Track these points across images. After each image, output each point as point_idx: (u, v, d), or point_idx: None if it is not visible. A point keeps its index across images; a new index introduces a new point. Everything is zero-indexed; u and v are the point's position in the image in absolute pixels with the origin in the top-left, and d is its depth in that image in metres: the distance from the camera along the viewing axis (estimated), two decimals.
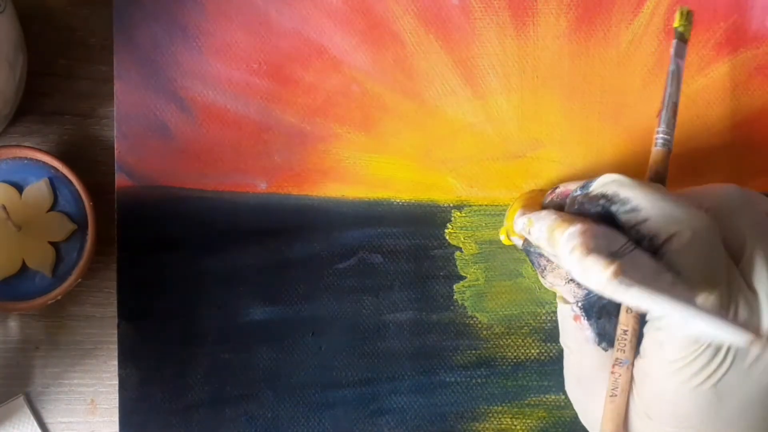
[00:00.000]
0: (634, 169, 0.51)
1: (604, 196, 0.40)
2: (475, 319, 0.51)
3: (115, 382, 0.51)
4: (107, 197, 0.51)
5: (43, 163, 0.48)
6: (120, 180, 0.50)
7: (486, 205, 0.51)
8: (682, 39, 0.46)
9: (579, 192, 0.42)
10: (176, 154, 0.50)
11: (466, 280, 0.51)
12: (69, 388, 0.51)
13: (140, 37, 0.50)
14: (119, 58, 0.50)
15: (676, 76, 0.45)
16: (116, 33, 0.50)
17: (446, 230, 0.51)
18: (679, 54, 0.45)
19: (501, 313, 0.51)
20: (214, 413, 0.50)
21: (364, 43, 0.51)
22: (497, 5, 0.51)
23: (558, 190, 0.45)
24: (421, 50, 0.51)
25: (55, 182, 0.49)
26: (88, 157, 0.51)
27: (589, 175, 0.51)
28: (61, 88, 0.51)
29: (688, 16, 0.46)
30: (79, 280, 0.48)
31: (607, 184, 0.40)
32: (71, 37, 0.51)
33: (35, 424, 0.50)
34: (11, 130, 0.51)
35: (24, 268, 0.48)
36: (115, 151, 0.50)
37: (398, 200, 0.51)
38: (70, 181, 0.48)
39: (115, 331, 0.50)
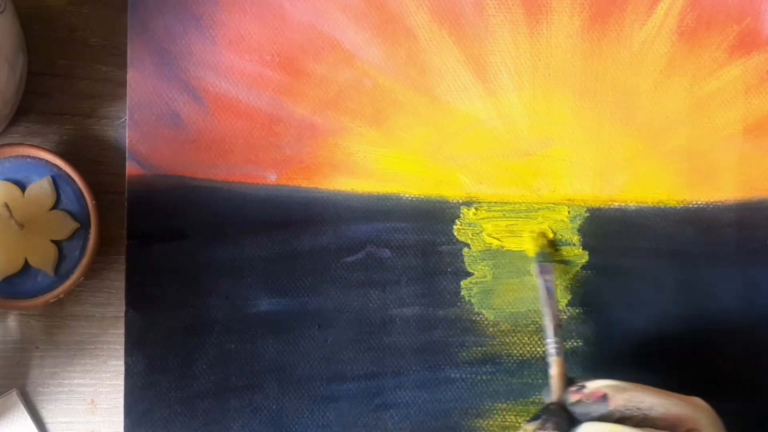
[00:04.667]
0: (643, 169, 0.51)
1: None
2: (481, 315, 0.51)
3: (116, 382, 0.51)
4: (108, 197, 0.51)
5: (46, 161, 0.48)
6: (131, 168, 0.50)
7: (495, 203, 0.51)
8: (545, 260, 0.49)
9: None
10: (187, 144, 0.50)
11: (474, 276, 0.51)
12: (69, 388, 0.51)
13: (154, 27, 0.50)
14: (133, 46, 0.50)
15: (550, 293, 0.48)
16: (131, 22, 0.50)
17: (455, 226, 0.51)
18: (545, 272, 0.49)
19: (508, 310, 0.51)
20: (219, 403, 0.50)
21: (377, 38, 0.51)
22: (511, 3, 0.51)
23: (587, 390, 0.42)
24: (434, 46, 0.51)
25: (57, 180, 0.49)
26: (88, 157, 0.51)
27: (600, 174, 0.51)
28: (61, 88, 0.51)
29: (543, 238, 0.50)
30: (82, 278, 0.48)
31: None
32: (71, 37, 0.51)
33: (29, 418, 0.50)
34: (12, 131, 0.51)
35: (26, 266, 0.48)
36: (127, 140, 0.50)
37: (407, 195, 0.51)
38: (72, 180, 0.48)
39: (116, 331, 0.51)
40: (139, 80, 0.50)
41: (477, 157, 0.51)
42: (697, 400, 0.42)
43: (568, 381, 0.44)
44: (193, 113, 0.51)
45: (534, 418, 0.42)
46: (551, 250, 0.51)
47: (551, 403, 0.43)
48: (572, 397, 0.42)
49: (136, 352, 0.50)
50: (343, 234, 0.51)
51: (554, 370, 0.45)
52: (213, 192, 0.51)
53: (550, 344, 0.46)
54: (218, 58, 0.51)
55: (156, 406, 0.50)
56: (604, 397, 0.41)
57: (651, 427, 0.40)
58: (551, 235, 0.51)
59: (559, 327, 0.46)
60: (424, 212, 0.51)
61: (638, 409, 0.40)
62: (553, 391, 0.44)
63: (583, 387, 0.42)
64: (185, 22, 0.50)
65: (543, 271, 0.49)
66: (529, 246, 0.51)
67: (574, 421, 0.41)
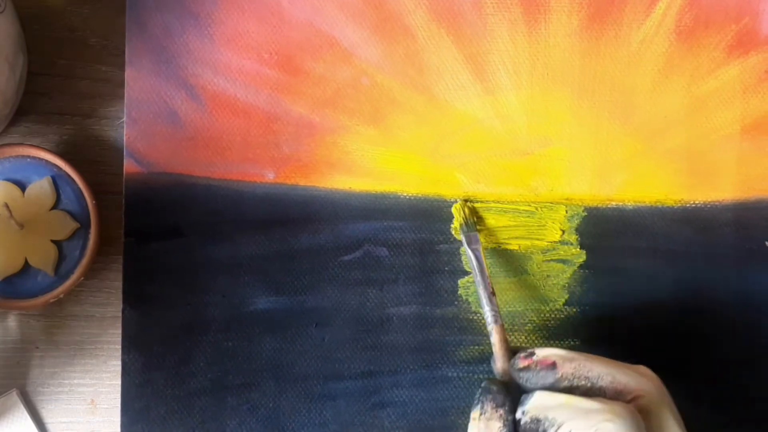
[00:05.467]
0: (641, 169, 0.51)
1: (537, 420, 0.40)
2: (478, 314, 0.51)
3: (116, 382, 0.51)
4: (108, 197, 0.51)
5: (46, 161, 0.48)
6: (128, 166, 0.50)
7: (493, 201, 0.51)
8: (470, 230, 0.50)
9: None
10: (185, 142, 0.50)
11: (471, 275, 0.51)
12: (69, 388, 0.51)
13: (152, 24, 0.50)
14: (131, 44, 0.50)
15: (480, 262, 0.48)
16: (129, 19, 0.50)
17: (452, 225, 0.51)
18: (472, 241, 0.49)
19: (505, 309, 0.51)
20: (216, 401, 0.50)
21: (376, 36, 0.51)
22: (509, 2, 0.51)
23: (536, 357, 0.41)
24: (432, 45, 0.51)
25: (57, 180, 0.49)
26: (88, 158, 0.51)
27: (597, 172, 0.51)
28: (61, 88, 0.51)
29: (466, 208, 0.50)
30: (82, 278, 0.48)
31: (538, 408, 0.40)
32: (71, 37, 0.51)
33: (29, 418, 0.50)
34: (11, 131, 0.51)
35: (26, 266, 0.48)
36: (125, 137, 0.50)
37: (405, 194, 0.51)
38: (72, 180, 0.48)
39: (116, 331, 0.51)
40: (137, 78, 0.50)
41: (475, 156, 0.51)
42: (644, 369, 0.42)
43: (514, 350, 0.43)
44: (191, 111, 0.51)
45: (475, 404, 0.41)
46: (475, 218, 0.51)
47: (484, 382, 0.42)
48: (521, 363, 0.41)
49: (133, 350, 0.50)
50: (340, 232, 0.51)
51: (495, 337, 0.44)
52: (210, 190, 0.51)
53: (487, 312, 0.46)
54: (216, 56, 0.51)
55: (153, 404, 0.50)
56: (552, 365, 0.40)
57: (598, 395, 0.40)
58: (471, 204, 0.51)
59: (493, 294, 0.47)
60: (422, 211, 0.51)
61: (586, 377, 0.40)
62: (497, 359, 0.43)
63: (532, 353, 0.41)
64: (183, 20, 0.50)
65: (470, 241, 0.49)
66: (455, 217, 0.51)
67: (513, 393, 0.41)
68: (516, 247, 0.51)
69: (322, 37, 0.51)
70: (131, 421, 0.50)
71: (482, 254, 0.49)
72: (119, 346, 0.50)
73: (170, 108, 0.50)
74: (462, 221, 0.50)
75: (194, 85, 0.51)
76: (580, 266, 0.51)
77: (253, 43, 0.51)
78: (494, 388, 0.41)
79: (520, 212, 0.51)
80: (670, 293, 0.51)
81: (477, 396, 0.41)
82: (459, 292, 0.51)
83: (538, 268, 0.51)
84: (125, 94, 0.50)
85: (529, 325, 0.51)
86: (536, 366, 0.41)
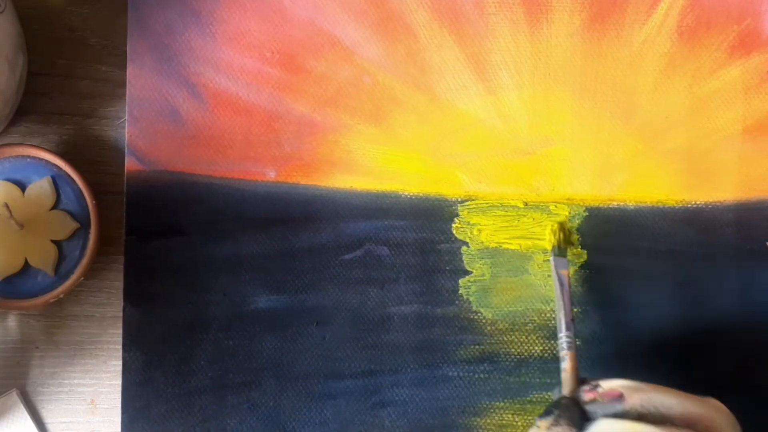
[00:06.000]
0: (643, 169, 0.51)
1: None
2: (479, 314, 0.51)
3: (116, 382, 0.51)
4: (108, 197, 0.51)
5: (46, 161, 0.48)
6: (130, 164, 0.50)
7: (494, 201, 0.51)
8: (561, 254, 0.49)
9: None
10: (186, 140, 0.50)
11: (472, 275, 0.51)
12: (69, 388, 0.51)
13: (154, 22, 0.50)
14: (133, 42, 0.50)
15: (564, 287, 0.48)
16: (131, 18, 0.50)
17: (453, 224, 0.51)
18: (561, 266, 0.49)
19: (506, 309, 0.51)
20: (216, 399, 0.50)
21: (377, 35, 0.51)
22: (511, 1, 0.51)
23: (602, 390, 0.41)
24: (433, 44, 0.51)
25: (57, 181, 0.49)
26: (88, 157, 0.51)
27: (599, 173, 0.51)
28: (61, 88, 0.51)
29: (561, 232, 0.49)
30: (82, 278, 0.48)
31: None
32: (71, 37, 0.51)
33: (29, 418, 0.50)
34: (11, 131, 0.51)
35: (26, 266, 0.48)
36: (126, 135, 0.50)
37: (406, 193, 0.51)
38: (72, 180, 0.48)
39: (116, 331, 0.51)
40: (139, 76, 0.50)
41: (476, 155, 0.51)
42: (715, 402, 0.41)
43: (580, 380, 0.43)
44: (193, 109, 0.51)
45: (546, 413, 0.41)
46: (567, 244, 0.50)
47: (563, 398, 0.42)
48: (586, 396, 0.41)
49: (133, 349, 0.50)
50: (341, 231, 0.51)
51: (567, 364, 0.44)
52: (212, 188, 0.51)
53: (562, 338, 0.46)
54: (218, 54, 0.51)
55: (153, 402, 0.50)
56: (619, 397, 0.40)
57: (669, 424, 0.39)
58: (569, 227, 0.51)
59: (572, 321, 0.46)
60: (423, 210, 0.51)
61: (655, 408, 0.40)
62: (566, 386, 0.43)
63: (597, 386, 0.41)
64: (185, 18, 0.50)
65: (558, 266, 0.49)
66: (546, 238, 0.50)
67: (586, 416, 0.41)
68: (517, 247, 0.51)
69: (323, 36, 0.51)
70: (131, 419, 0.50)
71: (569, 280, 0.48)
72: (119, 346, 0.50)
73: (172, 106, 0.50)
74: (555, 243, 0.50)
75: (196, 84, 0.51)
76: (582, 266, 0.51)
77: (255, 41, 0.51)
78: (575, 408, 0.41)
79: (521, 212, 0.51)
80: (671, 293, 0.51)
81: (552, 408, 0.41)
82: (460, 292, 0.51)
83: (539, 267, 0.51)
84: (127, 92, 0.50)
85: (529, 324, 0.51)
86: (602, 398, 0.41)
